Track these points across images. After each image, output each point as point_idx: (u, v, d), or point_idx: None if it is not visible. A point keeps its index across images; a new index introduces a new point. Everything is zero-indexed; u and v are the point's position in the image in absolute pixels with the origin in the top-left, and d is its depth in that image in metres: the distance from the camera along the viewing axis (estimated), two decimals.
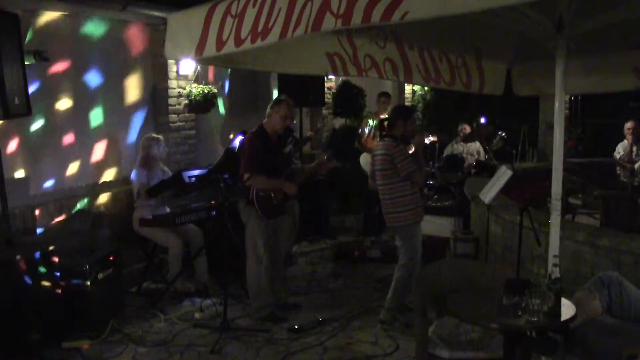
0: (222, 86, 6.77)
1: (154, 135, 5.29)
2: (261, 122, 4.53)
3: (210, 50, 3.02)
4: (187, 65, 6.04)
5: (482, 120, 9.01)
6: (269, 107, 4.52)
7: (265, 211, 4.37)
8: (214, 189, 5.11)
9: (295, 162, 5.01)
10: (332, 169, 4.98)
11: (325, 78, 7.79)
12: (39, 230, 4.70)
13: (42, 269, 4.09)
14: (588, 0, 2.78)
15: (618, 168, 7.10)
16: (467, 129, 7.78)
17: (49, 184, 4.95)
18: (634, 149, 6.98)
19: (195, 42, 3.08)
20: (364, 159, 6.91)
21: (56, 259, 4.16)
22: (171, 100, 6.02)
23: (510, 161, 6.99)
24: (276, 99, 4.61)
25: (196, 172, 5.15)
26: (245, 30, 2.80)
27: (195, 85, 6.12)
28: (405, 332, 4.17)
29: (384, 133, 4.66)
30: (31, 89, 4.30)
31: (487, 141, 7.85)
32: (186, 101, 6.10)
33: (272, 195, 4.40)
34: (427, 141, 7.03)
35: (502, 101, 5.38)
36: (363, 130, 6.95)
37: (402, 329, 4.25)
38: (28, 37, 4.54)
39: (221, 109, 6.93)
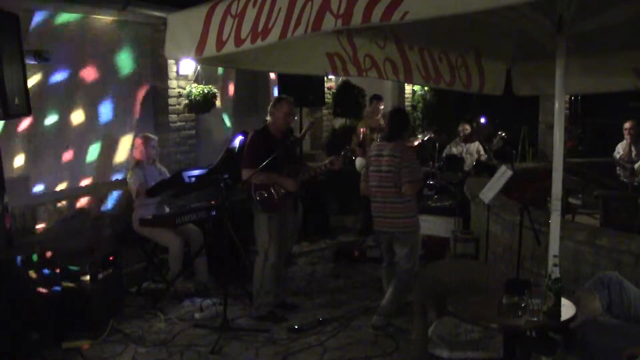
0: (222, 86, 6.76)
1: (146, 134, 5.29)
2: (266, 122, 4.57)
3: (210, 50, 3.02)
4: (187, 65, 6.04)
5: (482, 120, 9.01)
6: (270, 106, 4.55)
7: (266, 206, 4.38)
8: (214, 189, 5.11)
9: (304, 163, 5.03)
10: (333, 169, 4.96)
11: (325, 78, 7.79)
12: (38, 230, 4.70)
13: (42, 269, 4.09)
14: (588, 0, 2.78)
15: (618, 168, 7.10)
16: (468, 129, 7.78)
17: (49, 184, 4.95)
18: (633, 148, 6.99)
19: (195, 42, 3.08)
20: (360, 162, 6.77)
21: (56, 259, 4.16)
22: (171, 100, 6.01)
23: (510, 161, 6.98)
24: (276, 97, 4.66)
25: (196, 172, 5.16)
26: (245, 30, 2.80)
27: (195, 85, 6.12)
28: (399, 338, 4.15)
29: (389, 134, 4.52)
30: (31, 89, 4.30)
31: (487, 141, 7.85)
32: (186, 101, 6.10)
33: (273, 190, 4.41)
34: (425, 138, 7.08)
35: (502, 101, 5.38)
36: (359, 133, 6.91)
37: (394, 334, 4.21)
38: (28, 37, 4.53)
39: (221, 109, 6.93)
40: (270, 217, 4.41)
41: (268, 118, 4.57)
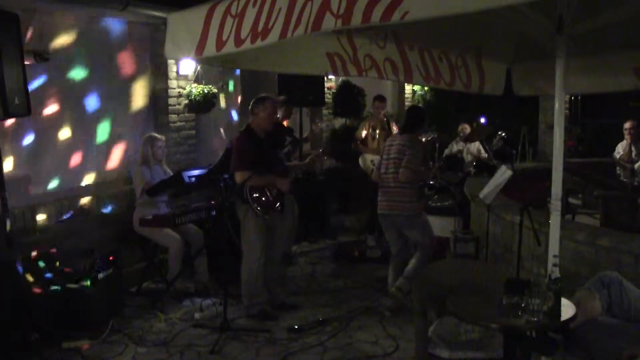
0: (223, 86, 6.76)
1: (153, 134, 5.29)
2: (248, 122, 4.53)
3: (210, 50, 3.02)
4: (187, 65, 6.04)
5: (482, 120, 9.00)
6: (252, 106, 4.49)
7: (261, 206, 4.37)
8: (214, 189, 5.11)
9: (288, 160, 5.03)
10: (332, 168, 5.00)
11: (325, 78, 7.80)
12: (38, 231, 4.70)
13: (42, 269, 4.09)
14: (588, 0, 2.78)
15: (618, 168, 7.10)
16: (468, 128, 7.79)
17: (49, 184, 4.95)
18: (633, 148, 6.98)
19: (195, 42, 3.08)
20: (363, 160, 7.00)
21: (56, 259, 4.16)
22: (171, 100, 6.02)
23: (510, 161, 6.99)
24: (259, 97, 4.54)
25: (196, 172, 5.16)
26: (245, 30, 2.80)
27: (195, 85, 6.12)
28: (399, 338, 4.15)
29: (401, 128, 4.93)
30: (31, 89, 4.29)
31: (487, 141, 7.84)
32: (186, 101, 6.10)
33: (266, 191, 4.41)
34: (428, 139, 7.17)
35: (502, 101, 5.38)
36: (362, 132, 7.09)
37: (394, 334, 4.22)
38: (28, 37, 4.53)
39: (222, 108, 6.93)
40: (261, 219, 4.40)
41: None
